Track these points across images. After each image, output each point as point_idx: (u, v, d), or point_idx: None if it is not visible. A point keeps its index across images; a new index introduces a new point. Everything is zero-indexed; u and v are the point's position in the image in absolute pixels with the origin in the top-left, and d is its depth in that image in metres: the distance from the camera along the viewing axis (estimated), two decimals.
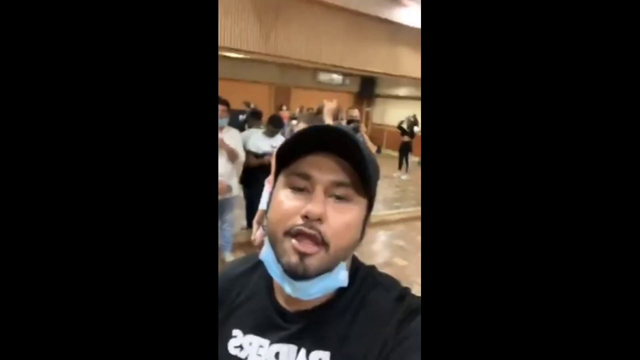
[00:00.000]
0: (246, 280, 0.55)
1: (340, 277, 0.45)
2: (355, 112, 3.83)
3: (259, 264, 0.52)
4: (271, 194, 0.49)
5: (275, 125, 3.46)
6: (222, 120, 2.80)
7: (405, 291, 0.50)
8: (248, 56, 3.90)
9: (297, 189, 0.45)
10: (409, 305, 0.47)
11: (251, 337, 0.49)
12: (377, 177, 0.49)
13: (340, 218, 0.44)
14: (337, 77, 11.03)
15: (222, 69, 8.89)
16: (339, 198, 0.44)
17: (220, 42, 3.27)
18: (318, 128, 0.44)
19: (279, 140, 3.31)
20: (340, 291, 0.49)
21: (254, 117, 4.59)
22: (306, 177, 0.44)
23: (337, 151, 0.44)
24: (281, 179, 0.47)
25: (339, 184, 0.44)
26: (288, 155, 0.46)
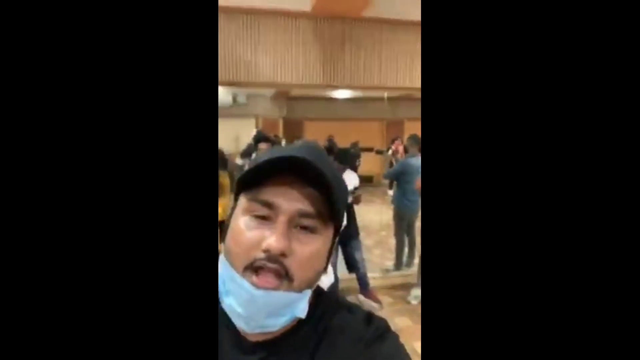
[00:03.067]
0: None
1: (300, 307, 0.43)
2: None
3: None
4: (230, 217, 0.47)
5: (340, 161, 3.10)
6: None
7: (370, 313, 0.49)
8: (314, 93, 3.76)
9: (258, 217, 0.42)
10: (377, 327, 0.46)
11: None
12: (345, 203, 0.48)
13: (305, 250, 0.42)
14: None
15: (328, 109, 9.32)
16: (304, 228, 0.42)
17: (283, 79, 3.19)
18: (283, 156, 0.41)
19: (349, 177, 2.93)
20: (303, 319, 0.45)
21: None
22: (269, 205, 0.41)
23: (304, 177, 0.41)
24: (241, 203, 0.44)
25: (304, 215, 0.42)
26: (251, 179, 0.43)
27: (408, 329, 2.75)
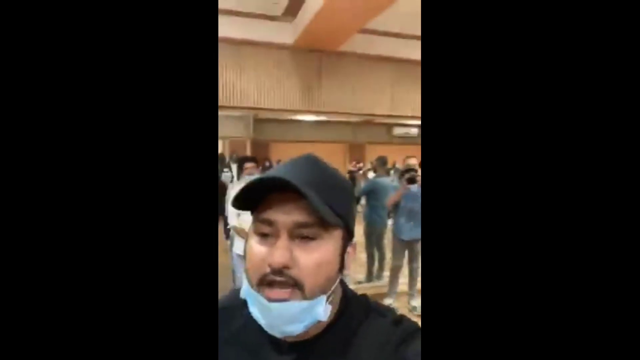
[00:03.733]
0: (239, 312, 0.53)
1: (318, 310, 0.44)
2: (413, 161, 3.61)
3: None
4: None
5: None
6: (253, 178, 2.84)
7: (401, 317, 0.50)
8: (291, 116, 4.04)
9: (263, 235, 0.44)
10: (405, 328, 0.47)
11: None
12: (349, 204, 0.49)
13: (309, 259, 0.43)
14: (413, 130, 10.83)
15: (293, 131, 9.63)
16: (305, 238, 0.43)
17: (266, 104, 3.46)
18: (263, 178, 0.43)
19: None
20: (335, 319, 0.48)
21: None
22: (269, 222, 0.43)
23: (293, 192, 0.42)
24: (252, 224, 0.47)
25: (301, 225, 0.43)
26: (243, 200, 0.45)
27: None
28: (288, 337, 0.46)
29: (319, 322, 0.44)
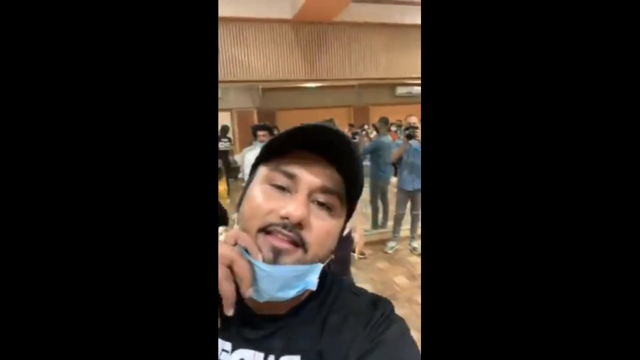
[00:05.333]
0: None
1: (312, 278, 0.42)
2: (414, 119, 3.93)
3: None
4: (246, 186, 0.46)
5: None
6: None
7: (376, 296, 0.49)
8: (296, 84, 4.31)
9: (277, 187, 0.43)
10: (382, 312, 0.47)
11: None
12: (361, 191, 0.48)
13: (322, 225, 0.42)
14: (416, 89, 10.95)
15: (299, 99, 9.84)
16: (322, 205, 0.43)
17: (272, 76, 3.81)
18: (316, 126, 0.41)
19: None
20: (311, 295, 0.47)
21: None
22: (291, 176, 0.42)
23: (327, 154, 0.42)
24: (261, 172, 0.45)
25: (325, 190, 0.42)
26: (275, 148, 0.44)
27: (387, 269, 3.58)
28: (264, 309, 0.45)
29: (306, 290, 0.43)
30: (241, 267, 0.38)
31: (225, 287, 0.37)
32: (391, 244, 4.03)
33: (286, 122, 9.95)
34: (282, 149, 0.43)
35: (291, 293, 0.41)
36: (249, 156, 3.46)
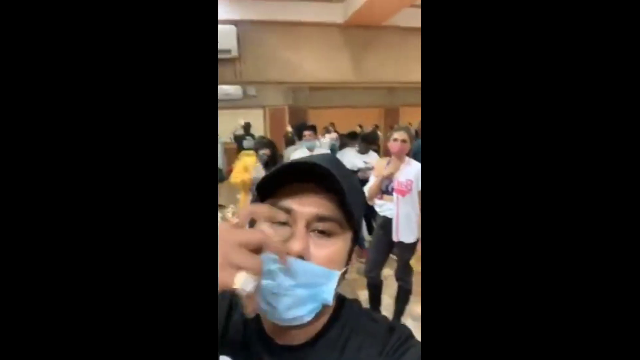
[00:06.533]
0: (233, 305, 0.53)
1: (325, 295, 0.43)
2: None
3: None
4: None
5: (368, 142, 3.89)
6: (310, 143, 3.35)
7: (394, 323, 0.50)
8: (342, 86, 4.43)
9: (278, 223, 0.44)
10: (399, 336, 0.47)
11: None
12: (362, 208, 0.49)
13: (321, 253, 0.43)
14: None
15: (329, 98, 9.93)
16: (322, 233, 0.44)
17: (319, 78, 3.92)
18: (299, 163, 0.43)
19: (372, 156, 3.70)
20: (328, 323, 0.48)
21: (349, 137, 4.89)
22: (287, 210, 0.43)
23: (320, 183, 0.43)
24: None
25: (321, 218, 0.43)
26: (268, 186, 0.45)
27: None
28: (287, 339, 0.46)
29: (325, 307, 0.44)
30: (273, 244, 0.37)
31: (253, 260, 0.35)
32: None
33: (317, 119, 10.06)
34: (275, 187, 0.45)
35: (304, 310, 0.43)
36: (294, 156, 3.59)
